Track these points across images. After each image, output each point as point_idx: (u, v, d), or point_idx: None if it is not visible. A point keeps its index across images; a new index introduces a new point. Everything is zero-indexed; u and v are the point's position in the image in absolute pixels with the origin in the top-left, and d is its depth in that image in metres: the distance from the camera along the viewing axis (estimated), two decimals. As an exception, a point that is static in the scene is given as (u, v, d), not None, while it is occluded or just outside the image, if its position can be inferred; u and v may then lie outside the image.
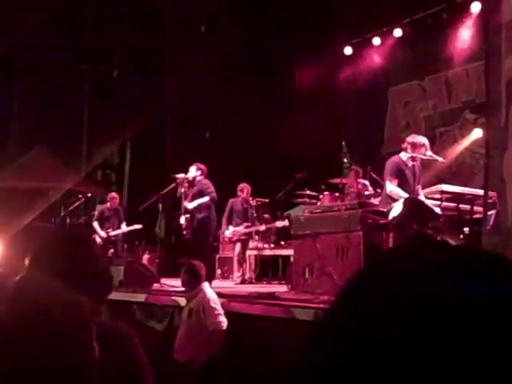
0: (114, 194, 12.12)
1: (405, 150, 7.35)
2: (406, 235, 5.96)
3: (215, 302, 5.93)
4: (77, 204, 12.33)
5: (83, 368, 1.53)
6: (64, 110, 16.28)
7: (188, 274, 6.11)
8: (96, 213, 11.92)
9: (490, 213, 6.36)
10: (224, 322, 5.82)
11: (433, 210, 6.57)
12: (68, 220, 12.22)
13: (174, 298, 7.30)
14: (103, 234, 11.47)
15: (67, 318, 1.56)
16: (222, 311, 5.90)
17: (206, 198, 9.58)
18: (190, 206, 9.62)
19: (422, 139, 7.40)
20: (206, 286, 6.16)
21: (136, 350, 1.96)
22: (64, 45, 15.83)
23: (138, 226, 11.59)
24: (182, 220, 9.69)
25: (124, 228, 11.58)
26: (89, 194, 12.62)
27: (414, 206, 6.47)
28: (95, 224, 11.68)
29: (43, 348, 1.49)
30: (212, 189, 9.69)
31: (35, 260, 2.05)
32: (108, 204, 11.85)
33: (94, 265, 2.10)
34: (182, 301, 6.70)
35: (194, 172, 9.93)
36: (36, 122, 15.58)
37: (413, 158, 7.26)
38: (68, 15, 15.56)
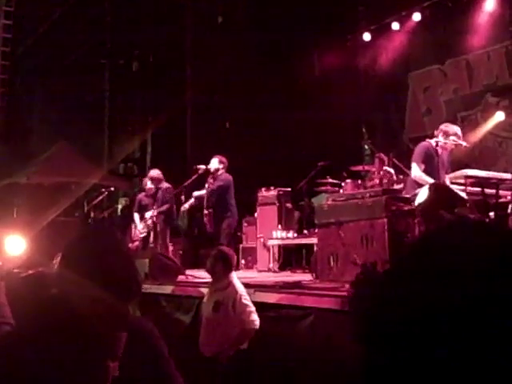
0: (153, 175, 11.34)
1: (436, 136, 7.33)
2: (433, 221, 5.92)
3: (246, 298, 5.64)
4: (100, 198, 12.37)
5: (104, 365, 1.59)
6: (85, 105, 16.39)
7: (221, 263, 5.76)
8: (136, 204, 11.46)
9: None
10: (257, 320, 5.55)
11: (459, 196, 6.51)
12: (92, 214, 12.28)
13: (200, 289, 7.32)
14: (141, 226, 11.09)
15: (94, 314, 1.61)
16: (253, 308, 5.61)
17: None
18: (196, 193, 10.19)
19: (456, 128, 7.42)
20: (234, 277, 5.87)
21: (158, 344, 2.04)
22: (83, 39, 15.90)
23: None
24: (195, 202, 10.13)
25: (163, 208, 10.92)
26: (112, 188, 12.66)
27: (440, 191, 6.41)
28: (135, 216, 11.29)
29: (67, 343, 1.54)
30: (224, 187, 10.02)
31: (65, 258, 2.07)
32: (144, 192, 11.38)
33: (123, 265, 2.12)
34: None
35: (216, 164, 10.05)
36: (57, 118, 15.69)
37: (436, 143, 7.23)
38: (86, 10, 15.61)
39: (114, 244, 2.21)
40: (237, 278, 5.97)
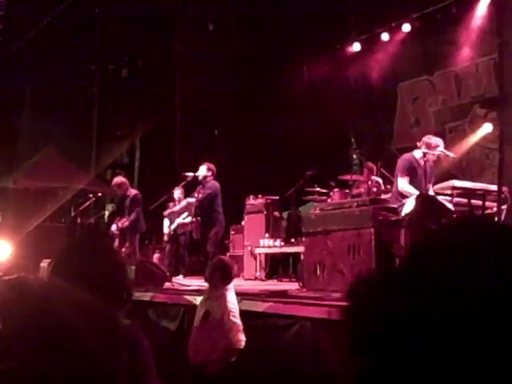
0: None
1: (419, 148, 7.38)
2: (419, 232, 5.93)
3: (235, 315, 5.45)
4: (87, 204, 12.29)
5: (111, 380, 1.57)
6: (73, 111, 16.33)
7: (219, 273, 5.60)
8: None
9: (502, 207, 6.33)
10: (243, 340, 5.40)
11: (445, 206, 6.54)
12: (78, 220, 12.20)
13: (185, 296, 7.29)
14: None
15: (96, 331, 1.58)
16: (241, 326, 5.46)
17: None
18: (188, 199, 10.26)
19: (438, 141, 7.46)
20: (230, 289, 5.68)
21: (145, 352, 2.00)
22: (73, 45, 15.87)
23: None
24: (187, 220, 9.92)
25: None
26: (99, 194, 12.58)
27: (426, 202, 6.43)
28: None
29: (71, 362, 1.51)
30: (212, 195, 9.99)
31: (55, 265, 2.05)
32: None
33: (113, 271, 2.10)
34: (194, 299, 6.65)
35: (204, 171, 10.03)
36: (46, 123, 15.62)
37: (424, 154, 7.26)
38: (76, 15, 15.59)
39: (105, 250, 2.19)
40: (233, 291, 5.77)
